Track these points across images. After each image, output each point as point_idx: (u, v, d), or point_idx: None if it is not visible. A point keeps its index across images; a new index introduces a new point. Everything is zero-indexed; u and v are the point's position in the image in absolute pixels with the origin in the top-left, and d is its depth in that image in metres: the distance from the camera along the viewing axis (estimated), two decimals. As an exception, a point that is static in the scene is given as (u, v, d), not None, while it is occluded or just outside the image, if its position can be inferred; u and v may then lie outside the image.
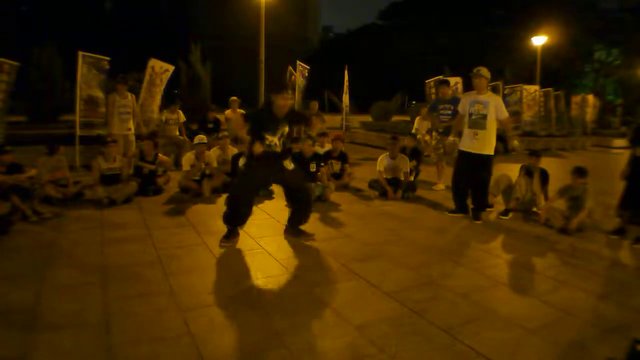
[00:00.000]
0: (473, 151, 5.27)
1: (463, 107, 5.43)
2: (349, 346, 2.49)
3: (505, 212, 5.59)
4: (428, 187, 7.27)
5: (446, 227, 5.13)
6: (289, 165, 4.20)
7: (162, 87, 9.19)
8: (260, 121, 4.09)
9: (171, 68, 9.31)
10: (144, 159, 6.51)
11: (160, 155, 6.70)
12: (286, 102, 4.03)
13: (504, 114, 5.26)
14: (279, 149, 4.11)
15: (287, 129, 4.13)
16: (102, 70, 8.31)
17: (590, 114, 19.36)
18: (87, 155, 7.77)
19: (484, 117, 5.19)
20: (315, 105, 9.92)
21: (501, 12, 41.84)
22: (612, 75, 35.06)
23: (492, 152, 5.28)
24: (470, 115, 5.28)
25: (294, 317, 2.82)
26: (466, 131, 5.34)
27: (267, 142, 4.05)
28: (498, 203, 5.89)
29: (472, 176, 5.36)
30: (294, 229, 4.46)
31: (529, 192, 5.61)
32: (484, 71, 5.22)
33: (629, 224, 4.85)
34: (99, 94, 8.26)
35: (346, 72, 11.11)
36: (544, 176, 5.62)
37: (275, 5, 16.02)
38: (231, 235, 4.25)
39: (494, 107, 5.20)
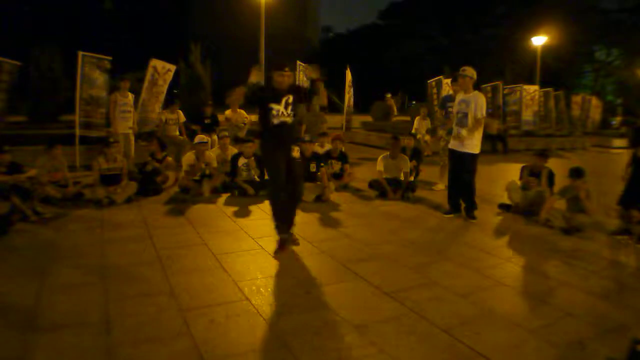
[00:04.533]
0: (457, 149, 5.38)
1: (455, 107, 5.58)
2: (349, 346, 2.49)
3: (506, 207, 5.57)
4: (428, 187, 7.27)
5: (446, 227, 5.13)
6: (296, 153, 4.14)
7: (166, 87, 9.16)
8: (262, 93, 4.10)
9: (173, 67, 9.29)
10: (154, 156, 6.64)
11: (168, 158, 6.77)
12: (283, 78, 4.03)
13: (479, 113, 5.20)
14: (289, 119, 4.05)
15: (291, 97, 4.07)
16: (104, 69, 8.31)
17: (596, 113, 19.45)
18: (87, 155, 7.78)
19: (466, 115, 5.29)
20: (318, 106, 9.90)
21: (501, 12, 41.80)
22: (612, 75, 35.04)
23: (474, 151, 5.30)
24: (457, 113, 5.42)
25: (294, 317, 2.82)
26: (454, 129, 5.47)
27: (274, 112, 4.00)
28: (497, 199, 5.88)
29: (458, 174, 5.43)
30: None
31: (534, 191, 5.57)
32: (469, 71, 5.33)
33: (631, 223, 4.85)
34: (102, 94, 8.26)
35: (348, 72, 11.07)
36: (551, 176, 5.58)
37: (275, 5, 16.01)
38: (285, 243, 4.12)
39: (474, 105, 5.26)
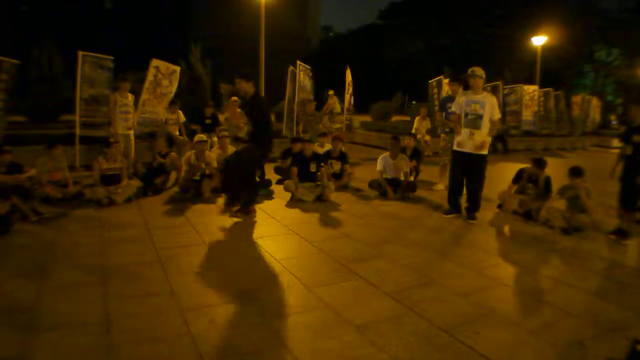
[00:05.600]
0: (468, 151, 5.29)
1: (459, 106, 5.41)
2: (349, 346, 2.49)
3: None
4: (428, 187, 7.27)
5: (446, 227, 5.13)
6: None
7: (173, 89, 9.12)
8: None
9: (177, 69, 9.26)
10: (160, 153, 6.70)
11: (173, 154, 6.77)
12: (239, 85, 4.92)
13: (497, 114, 5.29)
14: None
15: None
16: (107, 69, 8.29)
17: (596, 113, 19.49)
18: (87, 155, 7.77)
19: (480, 117, 5.20)
20: (312, 105, 9.88)
21: (501, 12, 41.81)
22: (612, 75, 35.05)
23: (486, 152, 5.30)
24: (467, 115, 5.29)
25: (294, 317, 2.82)
26: (462, 131, 5.34)
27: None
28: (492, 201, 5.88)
29: (467, 176, 5.38)
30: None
31: (532, 200, 5.53)
32: (479, 71, 5.25)
33: (630, 223, 4.85)
34: (105, 93, 8.24)
35: (348, 72, 11.03)
36: (548, 183, 5.56)
37: (275, 5, 16.00)
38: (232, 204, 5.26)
39: (490, 107, 5.22)
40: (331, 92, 12.85)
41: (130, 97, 7.72)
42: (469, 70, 5.31)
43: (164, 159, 6.66)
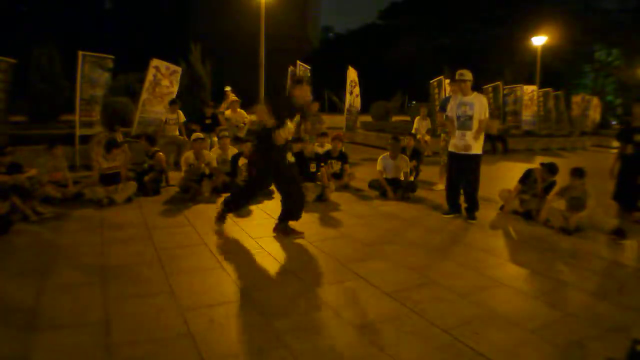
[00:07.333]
0: (461, 152, 5.34)
1: (451, 109, 5.51)
2: (349, 346, 2.49)
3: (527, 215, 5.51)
4: (428, 187, 7.27)
5: (446, 227, 5.13)
6: (291, 158, 4.37)
7: (174, 89, 9.12)
8: (286, 107, 4.33)
9: (179, 69, 9.25)
10: (147, 154, 6.70)
11: (159, 153, 6.76)
12: (302, 92, 4.33)
13: (485, 114, 5.29)
14: (291, 137, 4.37)
15: (299, 117, 4.36)
16: (106, 68, 8.30)
17: (596, 113, 19.51)
18: (87, 155, 7.77)
19: (470, 118, 5.27)
20: (316, 106, 9.88)
21: (501, 12, 41.80)
22: (612, 75, 35.02)
23: (479, 152, 5.33)
24: (458, 117, 5.37)
25: (294, 317, 2.82)
26: (455, 132, 5.42)
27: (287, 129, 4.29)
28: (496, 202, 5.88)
29: (462, 176, 5.40)
30: (282, 225, 4.53)
31: (534, 201, 5.52)
32: (468, 75, 5.30)
33: (630, 223, 4.85)
34: (101, 93, 8.26)
35: (350, 71, 10.99)
36: (549, 187, 5.53)
37: (275, 5, 15.99)
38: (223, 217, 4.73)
39: (479, 107, 5.26)
40: (228, 89, 10.60)
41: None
42: (457, 74, 5.37)
43: (152, 160, 6.64)
